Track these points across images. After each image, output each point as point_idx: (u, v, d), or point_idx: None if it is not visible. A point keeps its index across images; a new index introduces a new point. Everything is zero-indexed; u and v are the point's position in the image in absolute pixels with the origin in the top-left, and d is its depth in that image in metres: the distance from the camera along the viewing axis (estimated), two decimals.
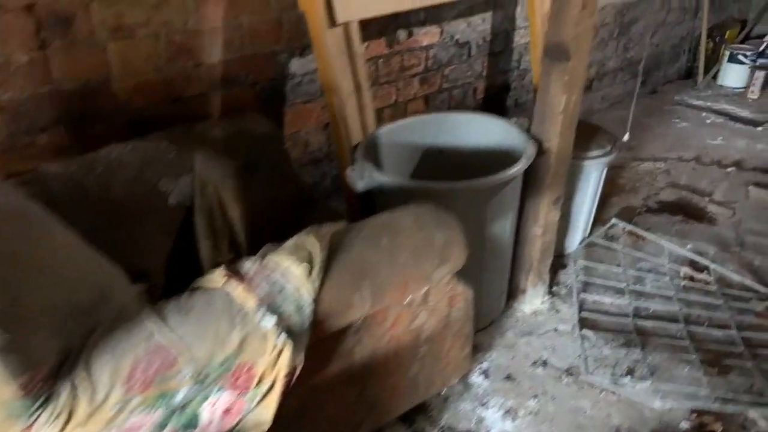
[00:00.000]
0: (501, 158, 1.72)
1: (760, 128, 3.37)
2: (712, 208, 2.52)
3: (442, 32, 2.39)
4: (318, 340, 1.09)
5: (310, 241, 1.08)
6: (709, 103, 3.79)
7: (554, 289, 2.07)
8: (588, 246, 2.27)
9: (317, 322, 1.04)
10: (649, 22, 3.59)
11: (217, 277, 1.02)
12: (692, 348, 1.79)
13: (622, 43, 3.47)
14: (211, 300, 0.98)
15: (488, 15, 2.55)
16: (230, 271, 1.02)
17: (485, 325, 1.89)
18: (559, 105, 1.65)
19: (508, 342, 1.85)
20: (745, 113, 3.65)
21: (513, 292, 1.97)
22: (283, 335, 0.97)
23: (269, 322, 0.97)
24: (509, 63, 2.76)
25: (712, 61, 4.20)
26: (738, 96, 3.91)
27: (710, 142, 3.22)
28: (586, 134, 2.12)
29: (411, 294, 1.21)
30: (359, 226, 1.20)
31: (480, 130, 1.91)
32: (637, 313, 1.95)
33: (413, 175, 1.94)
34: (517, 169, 1.58)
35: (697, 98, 3.87)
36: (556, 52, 1.60)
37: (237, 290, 0.99)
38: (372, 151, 1.77)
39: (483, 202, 1.61)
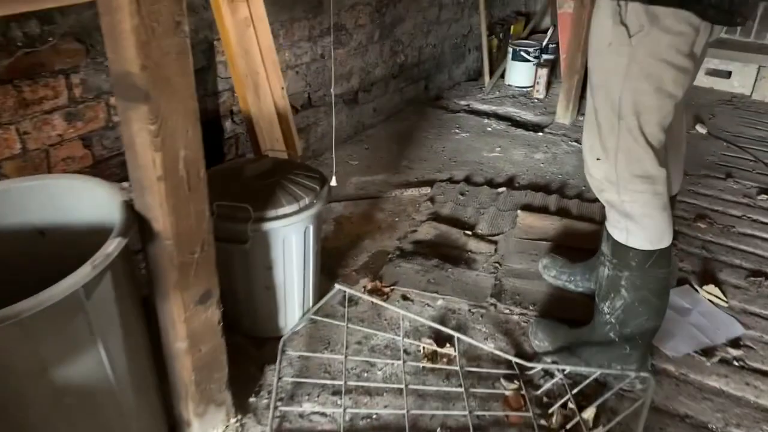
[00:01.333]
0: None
1: (540, 134, 3.09)
2: (472, 245, 2.10)
3: (88, 48, 1.71)
4: None
5: None
6: (494, 107, 3.49)
7: (252, 400, 1.50)
8: (311, 323, 1.74)
9: None
10: (417, 21, 3.18)
11: None
12: None
13: (387, 47, 3.02)
14: None
15: None
16: None
17: None
18: (152, 168, 1.05)
19: None
20: (529, 116, 3.39)
21: (177, 427, 1.37)
22: None
23: None
24: (216, 81, 2.16)
25: (500, 59, 3.94)
26: (524, 96, 3.66)
27: (487, 155, 2.86)
28: (280, 182, 1.58)
29: None
30: None
31: (89, 204, 1.27)
32: (352, 429, 1.43)
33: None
34: (70, 283, 0.96)
35: (483, 101, 3.56)
36: (126, 89, 1.00)
37: None
38: None
39: (25, 338, 0.98)
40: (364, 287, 1.89)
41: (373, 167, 2.71)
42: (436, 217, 2.27)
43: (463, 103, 3.53)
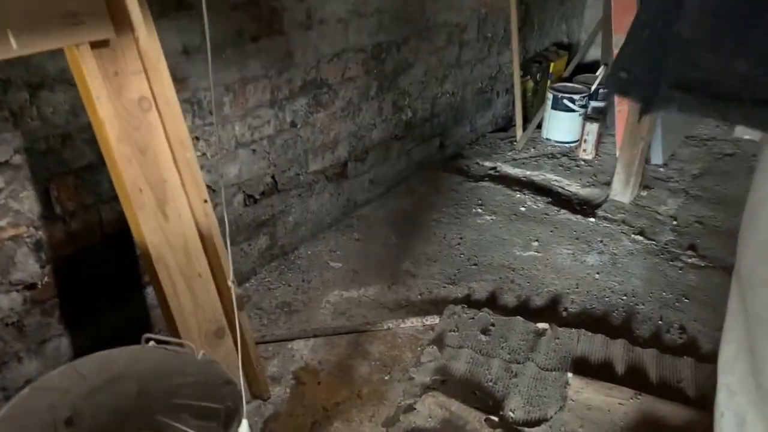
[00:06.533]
0: None
1: (591, 219, 2.32)
2: None
3: None
4: None
5: None
6: (529, 172, 2.73)
7: None
8: None
9: None
10: (431, 65, 2.44)
11: None
12: None
13: (388, 103, 2.29)
14: None
15: None
16: None
17: None
18: None
19: None
20: (574, 187, 2.62)
21: None
22: None
23: None
24: None
25: (536, 104, 3.18)
26: (567, 156, 2.88)
27: (520, 255, 2.10)
28: None
29: None
30: None
31: None
32: None
33: None
34: None
35: (514, 163, 2.80)
36: None
37: None
38: None
39: None
40: None
41: (362, 273, 1.98)
42: (444, 380, 1.52)
43: (488, 165, 2.77)
